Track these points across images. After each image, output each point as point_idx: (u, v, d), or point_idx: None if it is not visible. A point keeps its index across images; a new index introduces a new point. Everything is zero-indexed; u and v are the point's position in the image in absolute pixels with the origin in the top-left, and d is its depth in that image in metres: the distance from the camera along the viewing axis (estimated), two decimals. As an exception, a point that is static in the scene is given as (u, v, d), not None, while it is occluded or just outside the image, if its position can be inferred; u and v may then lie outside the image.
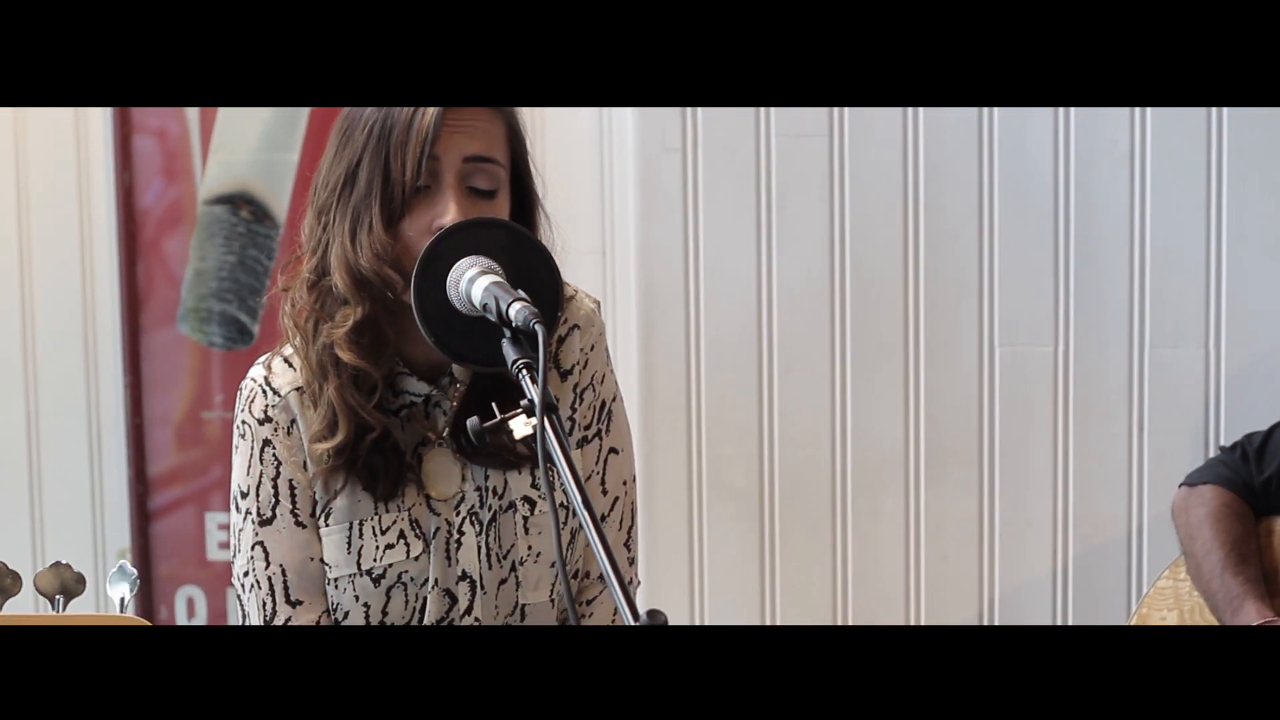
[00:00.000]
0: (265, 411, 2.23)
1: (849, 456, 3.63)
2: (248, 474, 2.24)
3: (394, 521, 2.21)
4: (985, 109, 3.52)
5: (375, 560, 2.20)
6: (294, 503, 2.22)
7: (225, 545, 3.75)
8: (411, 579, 2.21)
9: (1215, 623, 3.00)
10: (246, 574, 2.24)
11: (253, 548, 2.23)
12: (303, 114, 3.72)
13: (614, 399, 2.32)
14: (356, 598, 2.21)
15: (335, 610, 2.23)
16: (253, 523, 2.23)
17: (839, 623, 3.64)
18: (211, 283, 3.78)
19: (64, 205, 3.79)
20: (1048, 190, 3.54)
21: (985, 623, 3.62)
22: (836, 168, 3.58)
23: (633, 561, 2.35)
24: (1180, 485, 3.14)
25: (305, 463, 2.22)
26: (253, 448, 2.23)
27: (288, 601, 2.22)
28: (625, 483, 2.32)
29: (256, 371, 2.26)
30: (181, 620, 3.86)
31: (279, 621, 2.22)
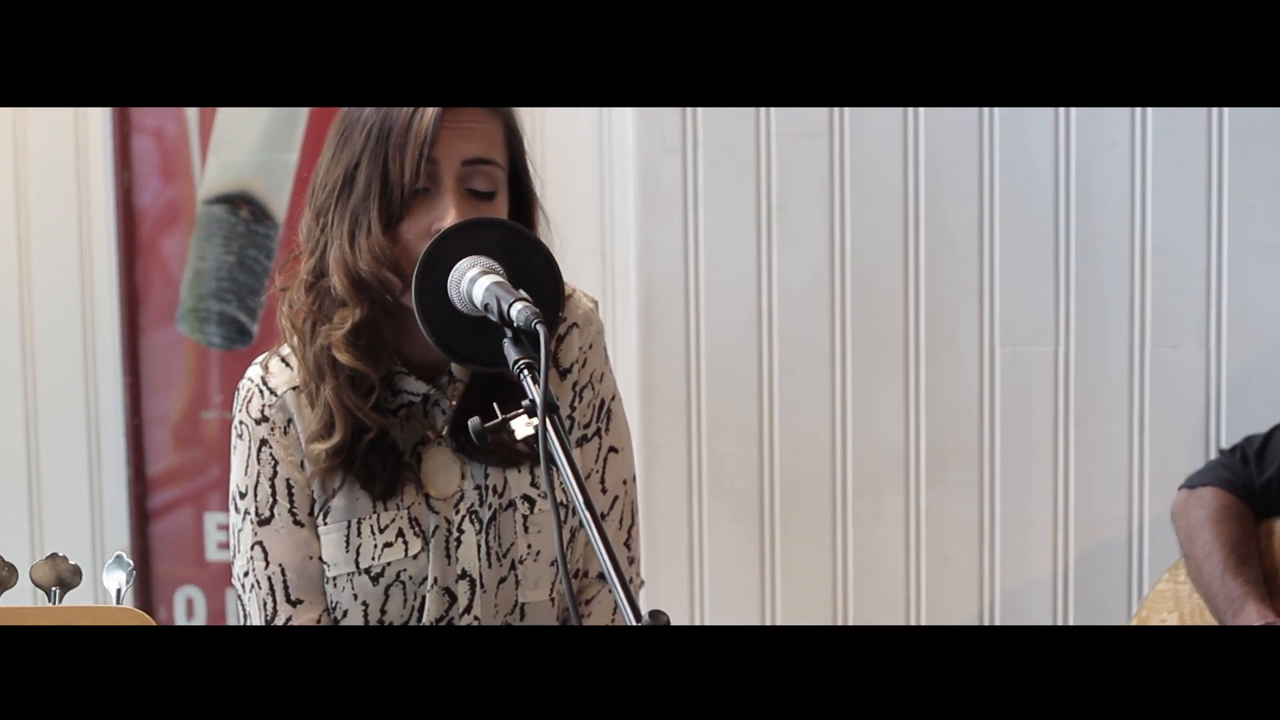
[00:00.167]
0: (262, 411, 2.23)
1: (849, 456, 3.63)
2: (245, 474, 2.24)
3: (392, 520, 2.21)
4: (986, 109, 3.52)
5: (374, 559, 2.20)
6: (292, 502, 2.22)
7: (224, 545, 3.75)
8: (410, 577, 2.21)
9: (1216, 624, 3.00)
10: (246, 574, 2.24)
11: (252, 548, 2.23)
12: (302, 114, 3.72)
13: (613, 398, 2.32)
14: (355, 596, 2.21)
15: (334, 609, 2.23)
16: (251, 523, 2.23)
17: (839, 623, 3.64)
18: (211, 283, 3.78)
19: (63, 205, 3.79)
20: (1048, 190, 3.54)
21: (986, 623, 3.62)
22: (837, 168, 3.58)
23: (633, 560, 2.35)
24: (1180, 488, 3.14)
25: (302, 462, 2.22)
26: (250, 448, 2.23)
27: (288, 601, 2.22)
28: (625, 482, 2.32)
29: (254, 371, 2.26)
30: (180, 621, 3.85)
31: (280, 621, 2.22)
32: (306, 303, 2.20)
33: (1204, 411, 3.54)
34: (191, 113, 3.76)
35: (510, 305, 1.90)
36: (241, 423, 2.24)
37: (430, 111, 2.12)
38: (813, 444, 3.63)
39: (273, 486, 2.22)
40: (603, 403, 2.31)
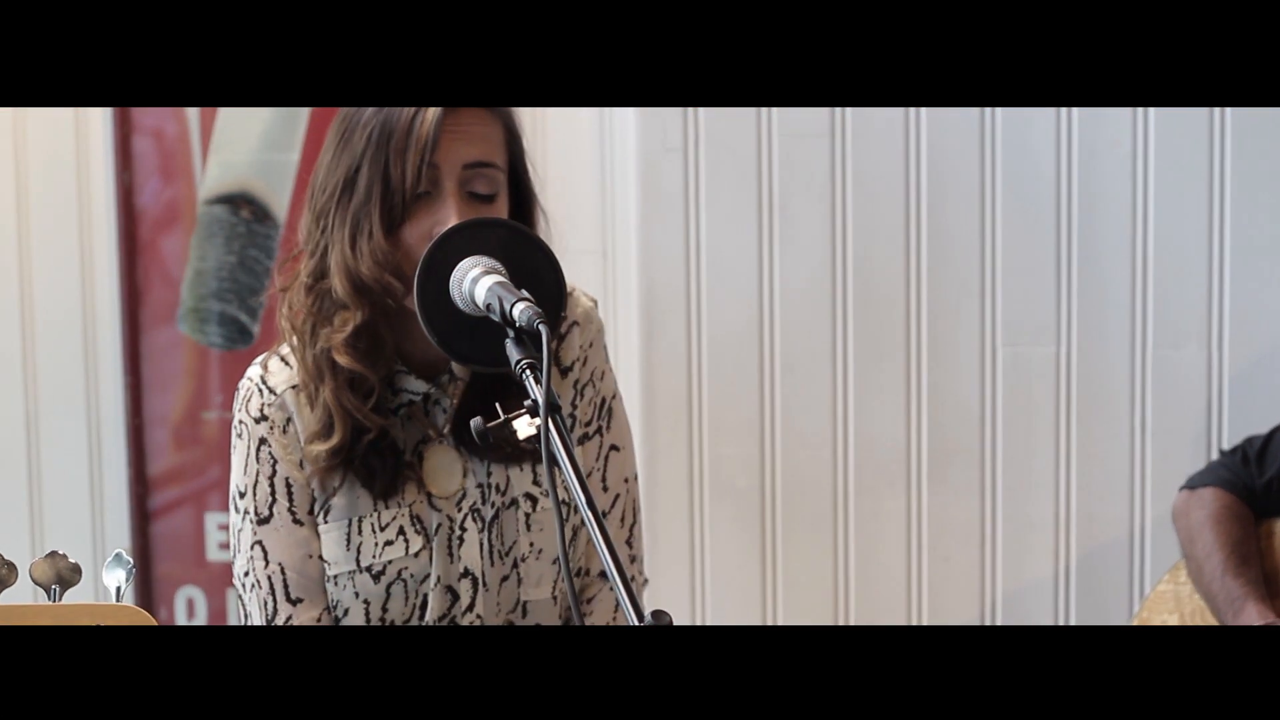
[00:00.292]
0: (261, 410, 2.23)
1: (850, 456, 3.63)
2: (245, 473, 2.24)
3: (393, 518, 2.21)
4: (988, 109, 3.52)
5: (374, 557, 2.21)
6: (291, 500, 2.22)
7: (225, 546, 3.75)
8: (411, 575, 2.21)
9: (1216, 625, 3.00)
10: (247, 574, 2.24)
11: (252, 547, 2.23)
12: (303, 114, 3.72)
13: (614, 396, 2.33)
14: (356, 594, 2.21)
15: (335, 607, 2.23)
16: (251, 522, 2.23)
17: (840, 623, 3.64)
18: (211, 283, 3.78)
19: (64, 205, 3.79)
20: (1050, 190, 3.54)
21: (987, 623, 3.62)
22: (838, 168, 3.58)
23: (635, 559, 2.35)
24: (1181, 489, 3.14)
25: (301, 461, 2.22)
26: (249, 447, 2.23)
27: (288, 600, 2.22)
28: (626, 480, 2.33)
29: (253, 371, 2.27)
30: (181, 621, 3.85)
31: (280, 620, 2.22)
32: (306, 304, 2.21)
33: (1205, 412, 3.54)
34: (192, 113, 3.76)
35: (512, 305, 1.90)
36: (241, 422, 2.25)
37: (430, 115, 2.13)
38: (814, 444, 3.63)
39: (272, 485, 2.23)
40: (604, 401, 2.31)
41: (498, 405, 1.88)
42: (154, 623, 1.98)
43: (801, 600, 3.66)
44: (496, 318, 1.93)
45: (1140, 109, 3.49)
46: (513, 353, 1.90)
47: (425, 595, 2.22)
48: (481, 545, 2.23)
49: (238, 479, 2.25)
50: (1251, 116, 3.45)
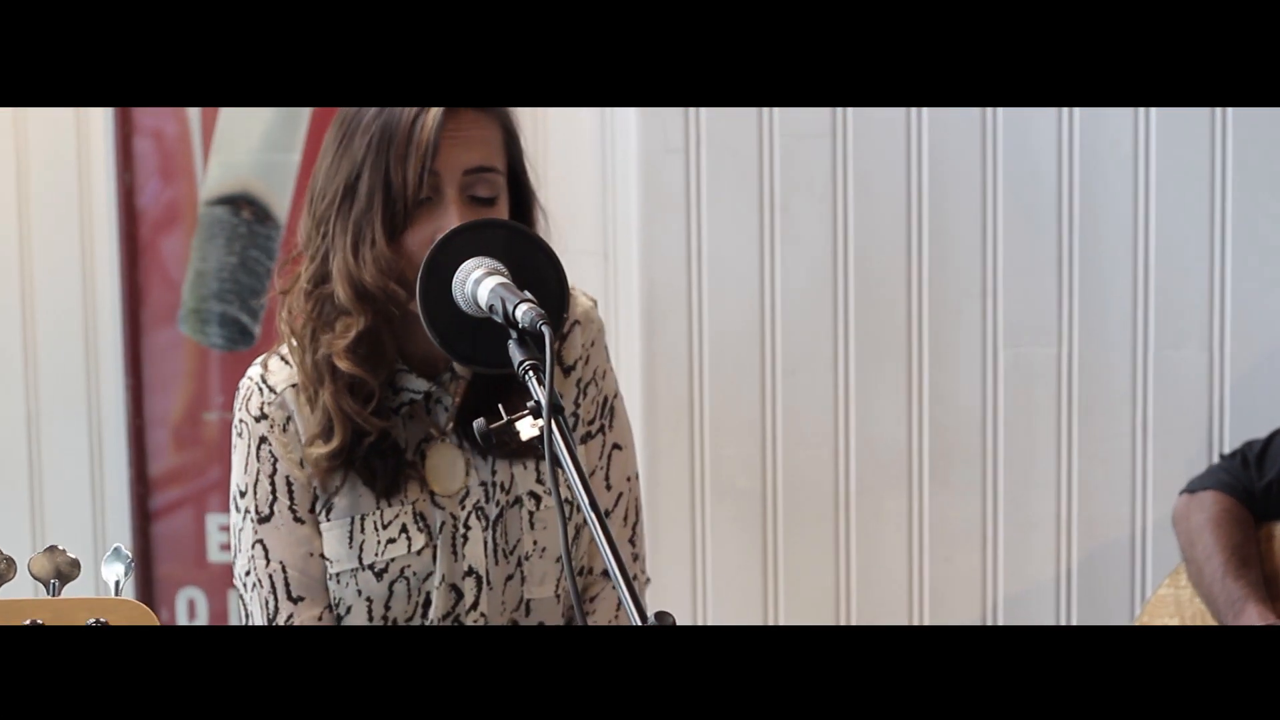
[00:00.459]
0: (261, 409, 2.23)
1: (852, 457, 3.63)
2: (245, 472, 2.24)
3: (396, 516, 2.21)
4: (989, 109, 3.52)
5: (377, 555, 2.21)
6: (291, 499, 2.23)
7: (226, 547, 3.75)
8: (414, 573, 2.21)
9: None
10: (248, 573, 2.24)
11: (253, 546, 2.23)
12: (304, 115, 3.72)
13: (615, 396, 2.33)
14: (359, 592, 2.21)
15: (338, 605, 2.23)
16: (252, 521, 2.23)
17: (841, 624, 3.64)
18: (212, 284, 3.78)
19: (65, 206, 3.79)
20: (1051, 191, 3.54)
21: (988, 624, 3.61)
22: (839, 168, 3.58)
23: (638, 557, 2.36)
24: (1181, 493, 3.15)
25: (302, 460, 2.22)
26: (249, 445, 2.24)
27: (289, 598, 2.22)
28: (629, 479, 2.33)
29: (254, 370, 2.27)
30: (182, 622, 3.85)
31: (281, 618, 2.22)
32: (306, 309, 2.21)
33: (1207, 413, 3.54)
34: (193, 114, 3.76)
35: (515, 306, 1.90)
36: (241, 421, 2.25)
37: (430, 122, 2.13)
38: (815, 444, 3.63)
39: (272, 484, 2.23)
40: (606, 400, 2.32)
41: (500, 406, 1.88)
42: (153, 616, 1.98)
43: (802, 601, 3.66)
44: (499, 319, 1.93)
45: (1141, 109, 3.48)
46: (515, 354, 1.90)
47: (428, 593, 2.22)
48: (486, 544, 2.23)
49: (238, 478, 2.26)
50: (1253, 117, 3.45)
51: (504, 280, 1.96)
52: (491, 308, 1.94)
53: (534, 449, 2.19)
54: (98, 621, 1.94)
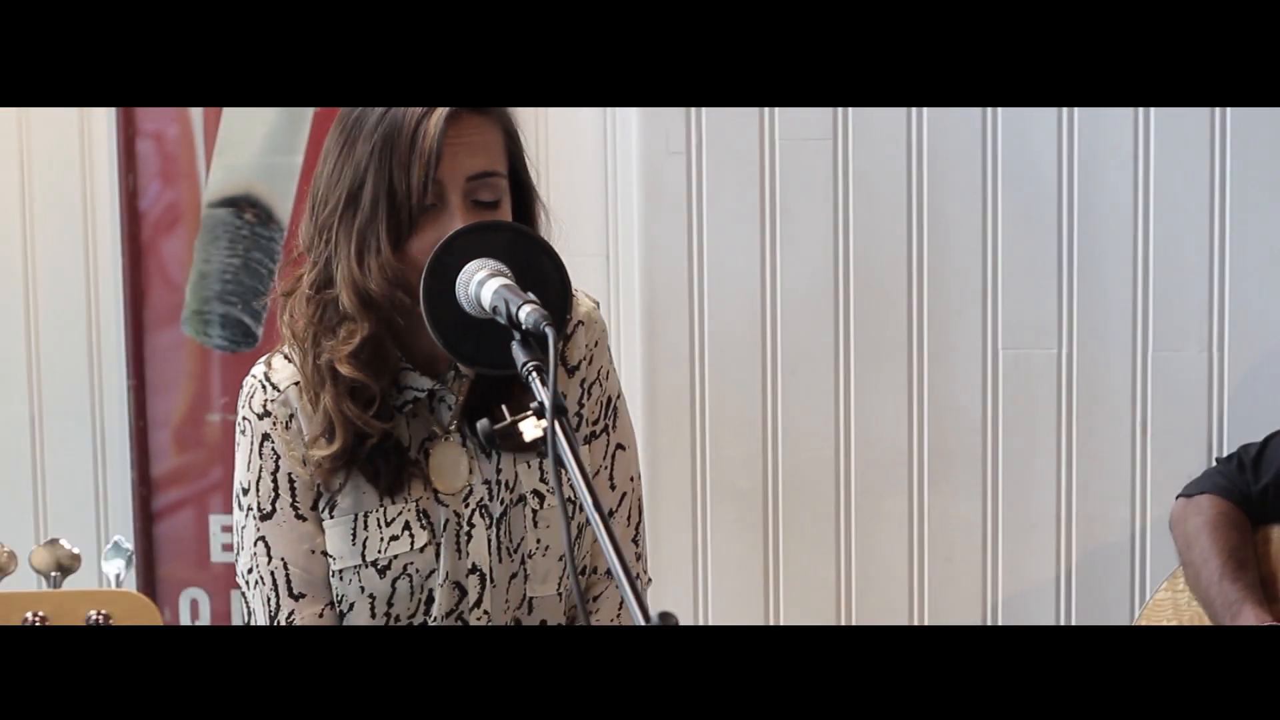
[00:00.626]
0: (265, 406, 2.24)
1: (853, 458, 3.63)
2: (248, 469, 2.25)
3: (400, 513, 2.22)
4: (989, 110, 3.52)
5: (380, 552, 2.21)
6: (294, 496, 2.23)
7: (229, 548, 3.75)
8: (417, 570, 2.22)
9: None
10: (250, 570, 2.24)
11: (255, 543, 2.24)
12: (306, 117, 3.72)
13: (618, 396, 2.34)
14: (362, 589, 2.22)
15: (340, 603, 2.23)
16: (254, 518, 2.24)
17: (842, 624, 3.64)
18: (215, 285, 3.78)
19: (68, 207, 3.79)
20: (1051, 192, 3.54)
21: (989, 624, 3.62)
22: (840, 170, 3.59)
23: (640, 557, 2.36)
24: (1178, 496, 3.15)
25: (305, 458, 2.22)
26: (252, 443, 2.24)
27: (291, 595, 2.23)
28: (632, 479, 2.34)
29: (257, 368, 2.28)
30: (185, 622, 3.85)
31: (283, 615, 2.22)
32: (308, 313, 2.21)
33: (1206, 414, 3.54)
34: (196, 116, 3.76)
35: (519, 308, 1.91)
36: (245, 418, 2.25)
37: (432, 129, 2.13)
38: (816, 445, 3.64)
39: (275, 481, 2.23)
40: (609, 400, 2.32)
41: (504, 406, 1.88)
42: (153, 607, 1.99)
43: (803, 601, 3.66)
44: (503, 320, 1.93)
45: (1141, 109, 3.49)
46: (519, 355, 1.90)
47: (431, 591, 2.22)
48: (490, 542, 2.24)
49: (241, 476, 2.26)
50: (1253, 117, 3.45)
51: (508, 282, 1.97)
52: (495, 309, 1.95)
53: (537, 448, 2.20)
54: (99, 614, 1.95)
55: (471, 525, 2.23)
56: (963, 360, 3.59)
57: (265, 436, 2.23)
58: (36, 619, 1.95)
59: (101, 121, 3.76)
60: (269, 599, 2.23)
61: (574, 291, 2.26)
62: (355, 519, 2.22)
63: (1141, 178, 3.52)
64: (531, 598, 2.26)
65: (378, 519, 2.22)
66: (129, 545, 2.00)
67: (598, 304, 2.34)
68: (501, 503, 2.24)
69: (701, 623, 3.67)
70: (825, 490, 3.64)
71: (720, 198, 3.61)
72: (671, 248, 3.62)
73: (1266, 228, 3.50)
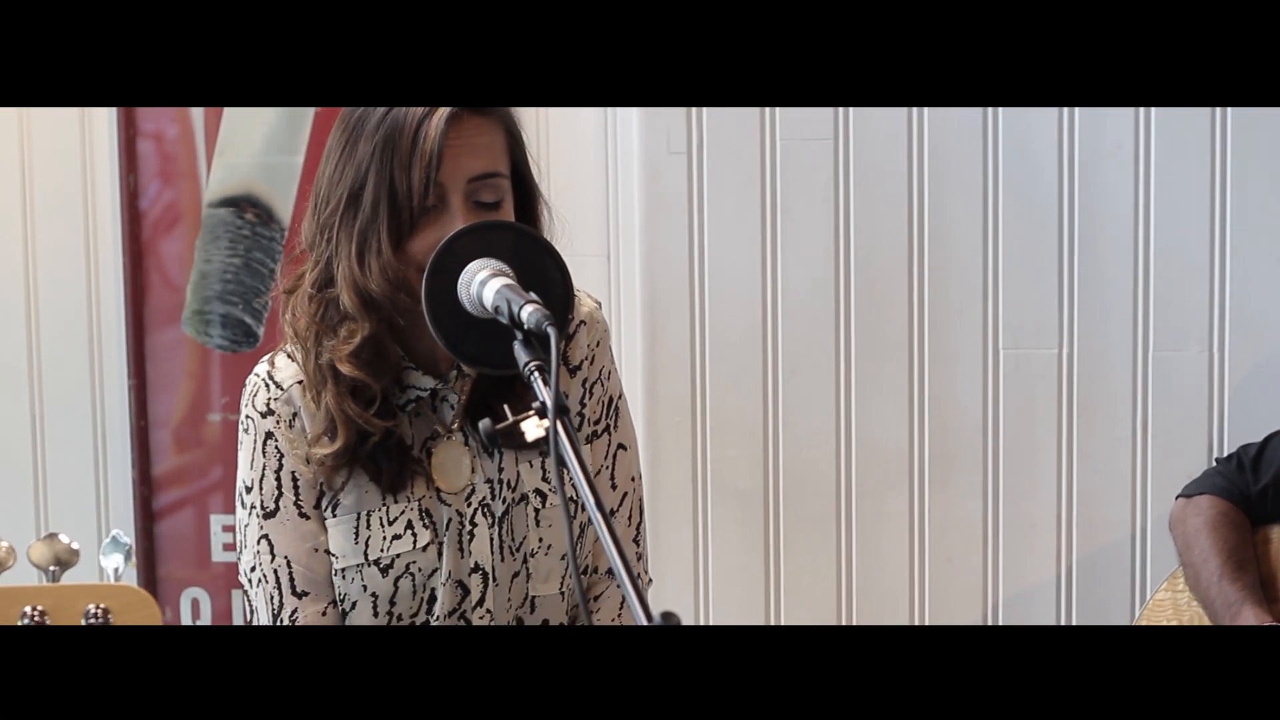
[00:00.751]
0: (268, 404, 2.24)
1: (853, 458, 3.64)
2: (251, 468, 2.25)
3: (402, 512, 2.22)
4: (990, 110, 3.53)
5: (382, 550, 2.21)
6: (297, 494, 2.23)
7: (230, 547, 3.76)
8: (419, 569, 2.22)
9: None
10: (253, 568, 2.25)
11: (258, 541, 2.24)
12: (307, 117, 3.72)
13: (620, 396, 2.34)
14: (364, 588, 2.22)
15: (343, 601, 2.24)
16: (257, 516, 2.24)
17: (843, 624, 3.64)
18: (216, 285, 3.78)
19: (69, 207, 3.79)
20: (1052, 192, 3.55)
21: (989, 624, 3.62)
22: (841, 171, 3.59)
23: (641, 557, 2.36)
24: (1177, 497, 3.15)
25: (307, 456, 2.22)
26: (255, 441, 2.24)
27: (294, 593, 2.23)
28: (633, 479, 2.34)
29: (260, 367, 2.28)
30: (186, 622, 3.86)
31: (286, 613, 2.23)
32: (309, 312, 2.22)
33: (1207, 414, 3.55)
34: (197, 116, 3.77)
35: (521, 308, 1.91)
36: (248, 417, 2.26)
37: (434, 130, 2.12)
38: (817, 446, 3.64)
39: (278, 479, 2.23)
40: (611, 400, 2.32)
41: (506, 406, 1.88)
42: (153, 601, 1.99)
43: (804, 601, 3.66)
44: (505, 320, 1.93)
45: (1142, 109, 3.49)
46: (521, 355, 1.90)
47: (433, 590, 2.22)
48: (492, 541, 2.24)
49: (244, 474, 2.26)
50: (1253, 117, 3.46)
51: (509, 282, 1.97)
52: (497, 309, 1.95)
53: (539, 447, 2.20)
54: (98, 608, 1.95)
55: (474, 524, 2.23)
56: (963, 360, 3.60)
57: (268, 435, 2.24)
58: (35, 613, 1.96)
59: (102, 121, 3.76)
60: (272, 597, 2.23)
61: (576, 291, 2.27)
62: (358, 518, 2.22)
63: (1141, 178, 3.52)
64: (534, 597, 2.26)
65: (380, 518, 2.22)
66: (128, 539, 2.00)
67: (599, 304, 2.34)
68: (504, 502, 2.24)
69: (702, 623, 3.67)
70: (826, 490, 3.64)
71: (721, 198, 3.61)
72: (672, 248, 3.62)
73: (1267, 227, 3.50)
